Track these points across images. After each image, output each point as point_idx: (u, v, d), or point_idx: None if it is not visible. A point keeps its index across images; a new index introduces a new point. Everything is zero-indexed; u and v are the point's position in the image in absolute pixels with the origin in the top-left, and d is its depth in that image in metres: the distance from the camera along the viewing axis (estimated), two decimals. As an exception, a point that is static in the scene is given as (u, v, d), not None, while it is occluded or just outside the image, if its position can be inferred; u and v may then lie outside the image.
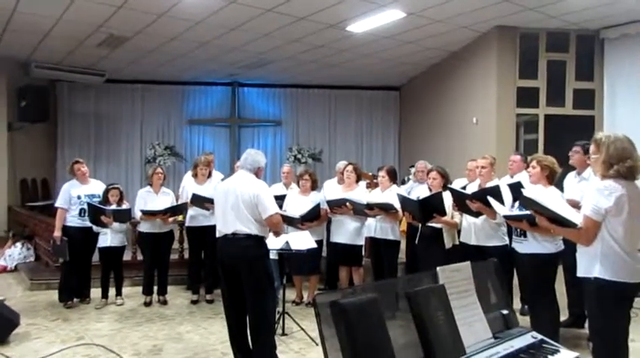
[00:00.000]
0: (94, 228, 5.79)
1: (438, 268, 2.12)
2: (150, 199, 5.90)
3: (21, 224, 8.78)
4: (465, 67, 8.96)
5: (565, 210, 3.20)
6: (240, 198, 3.99)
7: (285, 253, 4.95)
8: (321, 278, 6.46)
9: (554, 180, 4.19)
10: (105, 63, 9.69)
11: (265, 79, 11.35)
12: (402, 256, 6.27)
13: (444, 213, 4.92)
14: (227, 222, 4.03)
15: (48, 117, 10.07)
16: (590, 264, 3.05)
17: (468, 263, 2.24)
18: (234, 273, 3.99)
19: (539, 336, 2.18)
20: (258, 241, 4.01)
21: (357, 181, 5.97)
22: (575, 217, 3.10)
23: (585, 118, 7.97)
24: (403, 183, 8.80)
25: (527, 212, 3.59)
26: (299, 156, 11.29)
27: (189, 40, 8.36)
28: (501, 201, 4.33)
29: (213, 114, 11.73)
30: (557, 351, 2.08)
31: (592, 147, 3.12)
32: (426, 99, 10.61)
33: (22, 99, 9.62)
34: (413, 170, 7.67)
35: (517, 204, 4.15)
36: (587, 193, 3.10)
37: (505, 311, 2.28)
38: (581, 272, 3.13)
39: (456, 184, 6.02)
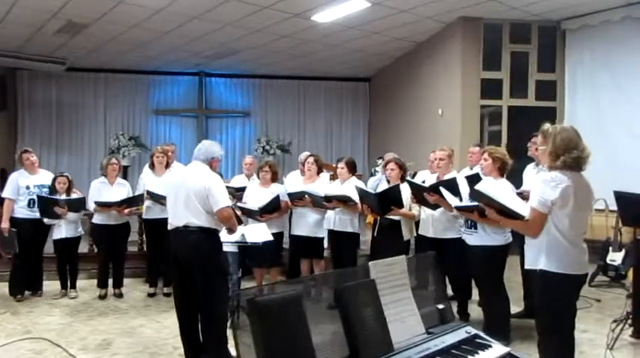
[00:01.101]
0: (45, 220, 5.59)
1: (370, 262, 2.05)
2: (104, 190, 5.72)
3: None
4: (431, 58, 8.92)
5: (513, 203, 3.17)
6: (191, 189, 3.90)
7: (248, 245, 4.85)
8: (284, 270, 6.37)
9: (506, 171, 4.19)
10: (65, 51, 9.36)
11: (232, 69, 11.14)
12: (366, 248, 6.25)
13: (401, 206, 4.87)
14: (178, 214, 3.95)
15: (6, 106, 9.73)
16: (536, 256, 3.03)
17: (403, 256, 2.17)
18: (186, 267, 3.91)
19: (473, 331, 2.13)
20: (211, 234, 3.93)
21: (319, 173, 5.88)
22: (523, 209, 3.07)
23: (547, 109, 7.98)
24: (372, 175, 8.74)
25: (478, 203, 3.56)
26: (267, 147, 11.13)
27: (149, 28, 8.11)
28: (458, 193, 4.30)
29: (180, 104, 11.49)
30: (488, 346, 2.03)
31: (539, 139, 3.10)
32: (395, 90, 10.55)
33: (-22, 87, 9.28)
34: (381, 162, 7.61)
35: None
36: (534, 185, 3.08)
37: (441, 306, 2.23)
38: (528, 264, 3.11)
39: (420, 176, 6.00)
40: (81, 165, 10.52)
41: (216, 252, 3.95)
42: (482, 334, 2.13)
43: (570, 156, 2.93)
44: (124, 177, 9.81)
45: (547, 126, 3.09)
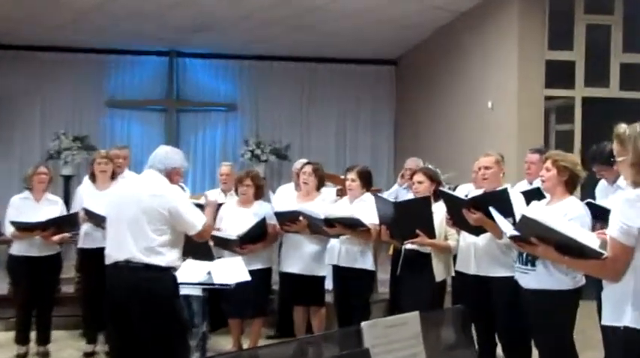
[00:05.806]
0: None
1: (363, 323, 1.83)
2: (27, 208, 5.56)
3: None
4: (478, 33, 8.80)
5: (583, 234, 2.96)
6: (141, 208, 3.79)
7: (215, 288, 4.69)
8: (271, 321, 6.19)
9: (575, 187, 3.97)
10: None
11: (214, 47, 11.17)
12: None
13: (431, 230, 4.64)
14: (120, 244, 3.83)
15: None
16: (618, 308, 2.81)
17: (416, 313, 1.95)
18: (127, 316, 3.78)
19: None
20: (163, 273, 3.81)
21: (320, 187, 5.74)
22: (596, 244, 2.85)
23: (637, 102, 7.74)
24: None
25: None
26: (258, 151, 11.06)
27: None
28: (510, 211, 4.06)
29: (144, 93, 11.48)
30: None
31: (615, 146, 2.89)
32: (430, 76, 10.48)
33: None
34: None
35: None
36: (614, 207, 2.86)
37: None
38: (606, 320, 2.92)
39: (462, 191, 5.78)
40: (8, 174, 10.35)
41: (170, 296, 3.83)
42: None
43: (664, 166, 2.72)
44: (66, 190, 9.84)
45: (623, 127, 2.88)
